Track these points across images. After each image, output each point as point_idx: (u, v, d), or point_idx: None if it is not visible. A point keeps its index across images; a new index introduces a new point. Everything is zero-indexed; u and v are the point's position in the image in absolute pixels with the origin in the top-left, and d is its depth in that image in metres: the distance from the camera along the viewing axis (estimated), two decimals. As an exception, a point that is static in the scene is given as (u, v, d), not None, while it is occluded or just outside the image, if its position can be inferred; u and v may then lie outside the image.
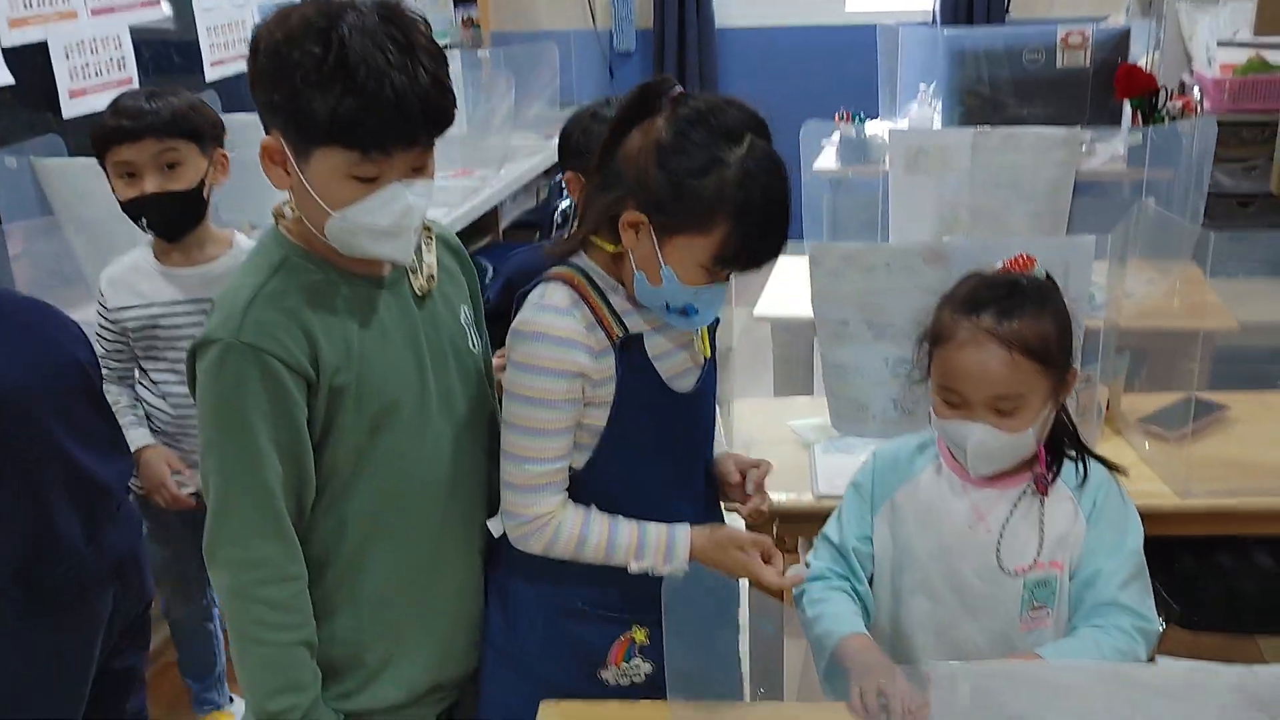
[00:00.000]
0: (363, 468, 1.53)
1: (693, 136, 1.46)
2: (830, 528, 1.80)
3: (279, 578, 1.49)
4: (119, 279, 2.38)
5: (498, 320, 2.27)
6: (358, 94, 1.35)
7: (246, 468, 1.45)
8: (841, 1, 6.01)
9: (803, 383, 3.07)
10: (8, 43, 2.93)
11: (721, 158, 1.45)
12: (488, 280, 2.65)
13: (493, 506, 1.67)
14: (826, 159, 4.29)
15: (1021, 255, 1.66)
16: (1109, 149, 4.17)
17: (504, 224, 5.09)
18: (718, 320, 1.69)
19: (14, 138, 2.97)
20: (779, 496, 2.11)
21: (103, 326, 2.39)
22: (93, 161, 2.98)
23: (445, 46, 5.49)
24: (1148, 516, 2.07)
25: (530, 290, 1.59)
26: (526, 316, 1.55)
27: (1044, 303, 1.59)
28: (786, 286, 3.06)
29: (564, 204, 4.96)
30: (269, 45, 1.38)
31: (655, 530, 1.58)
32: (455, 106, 1.46)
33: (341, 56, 1.34)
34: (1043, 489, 1.65)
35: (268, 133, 1.44)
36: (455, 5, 5.56)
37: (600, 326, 1.55)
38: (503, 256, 2.48)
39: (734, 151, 1.46)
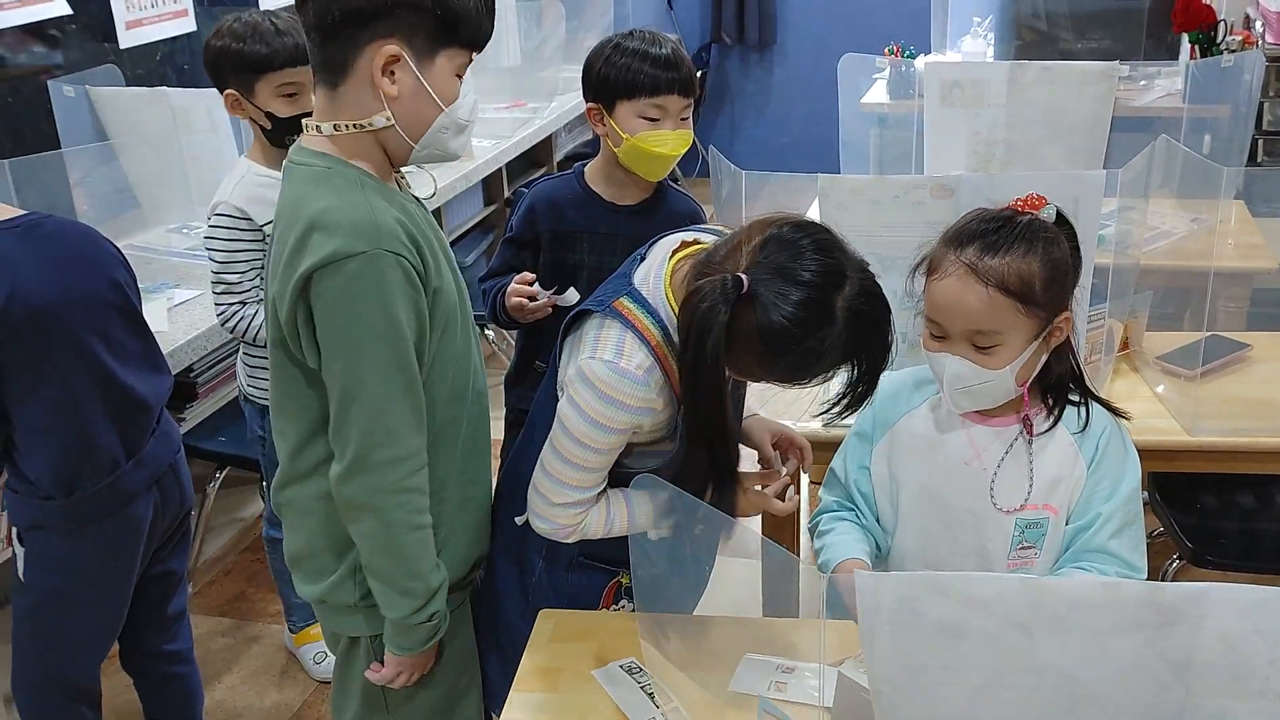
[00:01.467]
0: (433, 367, 1.61)
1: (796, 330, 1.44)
2: (836, 460, 1.83)
3: (422, 465, 1.58)
4: (255, 196, 2.34)
5: (525, 247, 2.34)
6: None
7: (403, 367, 1.52)
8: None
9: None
10: (66, -26, 3.01)
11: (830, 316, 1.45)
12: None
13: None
14: (878, 93, 4.26)
15: (1033, 195, 1.60)
16: (1168, 84, 4.08)
17: (558, 156, 5.13)
18: None
19: (72, 67, 3.07)
20: (787, 422, 2.16)
21: (240, 247, 2.35)
22: (148, 91, 3.09)
23: (502, -23, 5.47)
24: (1156, 452, 2.09)
25: (603, 314, 1.57)
26: (601, 375, 1.53)
27: (1034, 242, 1.54)
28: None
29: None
30: None
31: None
32: None
33: None
34: (1030, 431, 1.65)
35: (357, 49, 1.47)
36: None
37: (669, 386, 1.56)
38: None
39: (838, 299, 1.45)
